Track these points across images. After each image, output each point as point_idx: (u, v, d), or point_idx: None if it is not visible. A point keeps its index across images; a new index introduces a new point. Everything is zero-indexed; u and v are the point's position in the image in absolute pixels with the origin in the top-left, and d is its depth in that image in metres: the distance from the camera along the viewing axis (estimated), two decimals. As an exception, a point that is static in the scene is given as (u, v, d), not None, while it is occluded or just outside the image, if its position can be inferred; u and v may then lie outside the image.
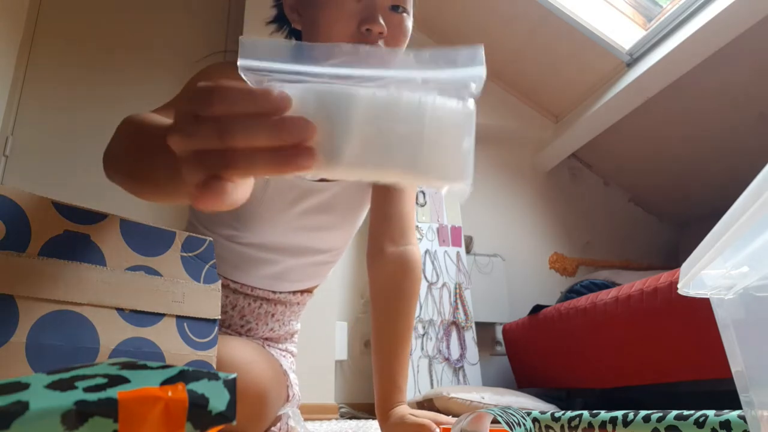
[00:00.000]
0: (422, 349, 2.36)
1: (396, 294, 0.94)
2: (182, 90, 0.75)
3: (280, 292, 0.99)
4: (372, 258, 0.98)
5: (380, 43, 0.79)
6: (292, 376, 0.97)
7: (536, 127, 2.92)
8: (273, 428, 0.89)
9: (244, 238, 0.93)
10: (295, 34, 0.90)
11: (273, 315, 0.99)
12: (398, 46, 0.82)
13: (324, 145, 0.35)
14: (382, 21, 0.77)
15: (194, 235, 0.59)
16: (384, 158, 0.36)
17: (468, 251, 2.71)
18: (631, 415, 0.71)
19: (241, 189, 0.38)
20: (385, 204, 0.98)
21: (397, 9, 0.80)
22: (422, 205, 2.64)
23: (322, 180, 0.92)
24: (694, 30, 2.05)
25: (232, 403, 0.26)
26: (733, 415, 0.59)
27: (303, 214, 0.94)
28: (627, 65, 2.44)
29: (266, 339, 1.01)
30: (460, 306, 2.49)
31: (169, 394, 0.25)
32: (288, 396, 0.93)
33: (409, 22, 0.83)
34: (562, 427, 0.81)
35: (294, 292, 1.01)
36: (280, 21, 0.92)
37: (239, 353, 0.81)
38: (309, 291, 1.05)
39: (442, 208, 2.66)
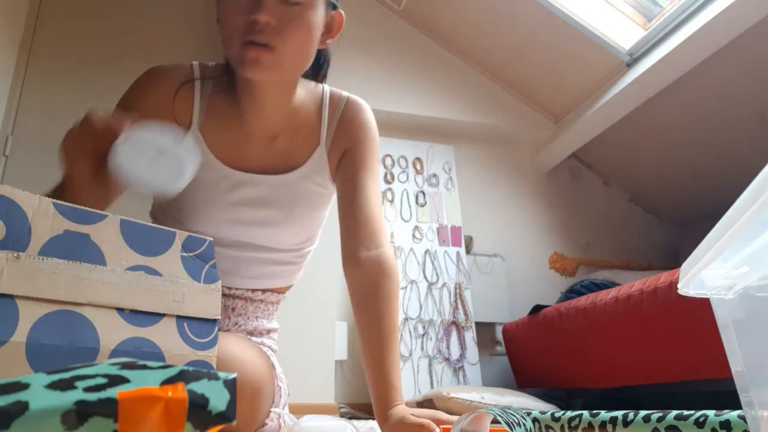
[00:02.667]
0: (422, 349, 2.36)
1: (377, 296, 0.91)
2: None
3: (236, 288, 0.98)
4: (347, 266, 0.95)
5: (266, 33, 0.81)
6: (279, 369, 0.97)
7: (536, 127, 2.92)
8: (267, 421, 0.89)
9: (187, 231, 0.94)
10: None
11: (234, 309, 0.98)
12: (289, 39, 0.83)
13: None
14: (266, 11, 0.81)
15: (194, 235, 0.59)
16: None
17: (468, 251, 2.70)
18: (631, 415, 0.71)
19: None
20: (351, 210, 0.96)
21: (288, 3, 0.82)
22: (422, 205, 2.64)
23: (257, 173, 0.95)
24: (694, 30, 2.04)
25: (232, 403, 0.26)
26: (733, 415, 0.59)
27: (236, 206, 0.94)
28: (627, 65, 2.44)
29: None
30: (460, 306, 2.49)
31: (169, 394, 0.25)
32: (277, 389, 0.93)
33: (310, 16, 0.84)
34: (562, 427, 0.81)
35: (254, 290, 1.00)
36: None
37: (234, 348, 0.81)
38: (275, 291, 1.03)
39: (442, 209, 2.66)
